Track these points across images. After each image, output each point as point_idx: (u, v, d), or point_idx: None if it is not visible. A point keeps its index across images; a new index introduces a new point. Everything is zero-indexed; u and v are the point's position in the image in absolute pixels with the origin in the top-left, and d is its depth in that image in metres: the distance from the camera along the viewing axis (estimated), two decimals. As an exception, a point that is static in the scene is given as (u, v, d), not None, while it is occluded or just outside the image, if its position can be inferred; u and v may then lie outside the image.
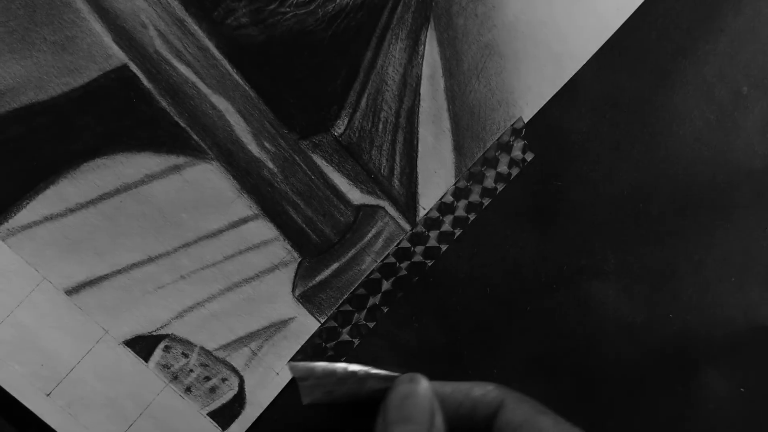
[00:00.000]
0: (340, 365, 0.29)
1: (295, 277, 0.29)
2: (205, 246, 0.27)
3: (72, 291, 0.26)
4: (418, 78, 0.29)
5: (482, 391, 0.28)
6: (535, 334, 0.34)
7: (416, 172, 0.30)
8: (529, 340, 0.35)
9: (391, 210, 0.30)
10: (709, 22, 0.34)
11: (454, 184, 0.30)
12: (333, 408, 0.31)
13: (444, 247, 0.31)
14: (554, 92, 0.31)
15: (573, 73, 0.31)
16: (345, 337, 0.30)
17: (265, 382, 0.29)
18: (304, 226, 0.28)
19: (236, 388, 0.29)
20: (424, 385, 0.28)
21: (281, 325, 0.29)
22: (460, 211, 0.31)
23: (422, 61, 0.29)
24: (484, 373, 0.34)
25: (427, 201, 0.30)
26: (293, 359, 0.29)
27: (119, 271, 0.26)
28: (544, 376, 0.35)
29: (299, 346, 0.30)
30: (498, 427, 0.27)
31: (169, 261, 0.27)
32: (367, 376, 0.29)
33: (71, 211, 0.25)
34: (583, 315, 0.35)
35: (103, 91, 0.24)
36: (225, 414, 0.29)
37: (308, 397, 0.29)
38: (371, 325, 0.31)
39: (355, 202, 0.29)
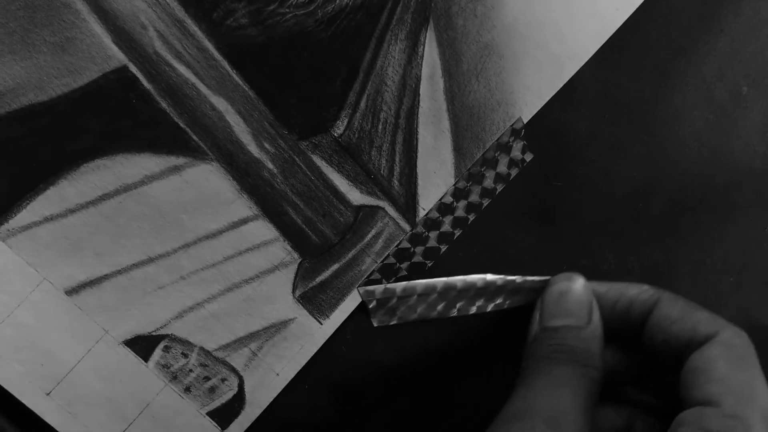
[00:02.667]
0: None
1: (295, 277, 0.29)
2: (205, 246, 0.27)
3: (72, 291, 0.26)
4: (418, 78, 0.29)
5: (637, 290, 0.28)
6: (534, 334, 0.34)
7: (416, 172, 0.30)
8: (529, 340, 0.35)
9: (391, 210, 0.30)
10: (709, 22, 0.34)
11: (454, 184, 0.31)
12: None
13: (444, 248, 0.31)
14: (554, 92, 0.31)
15: (572, 74, 0.31)
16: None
17: (265, 383, 0.29)
18: (304, 226, 0.28)
19: (236, 389, 0.29)
20: (581, 282, 0.29)
21: (281, 325, 0.29)
22: (460, 212, 0.31)
23: (422, 61, 0.29)
24: (483, 374, 0.34)
25: (426, 201, 0.30)
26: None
27: (119, 272, 0.26)
28: (543, 376, 0.35)
29: (299, 347, 0.30)
30: (653, 322, 0.27)
31: (169, 261, 0.27)
32: (493, 284, 0.30)
33: (71, 211, 0.25)
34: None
35: (103, 92, 0.24)
36: (224, 414, 0.29)
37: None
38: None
39: (355, 203, 0.29)
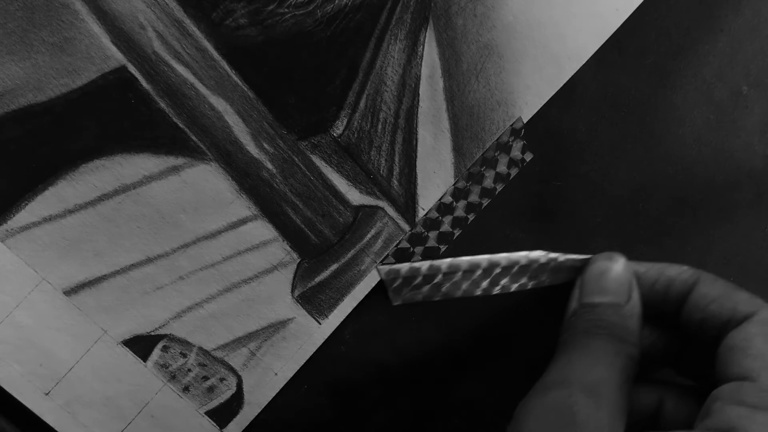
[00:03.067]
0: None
1: (294, 277, 0.29)
2: (204, 247, 0.27)
3: (71, 291, 0.26)
4: (417, 78, 0.29)
5: (677, 270, 0.29)
6: (534, 334, 0.34)
7: (415, 172, 0.30)
8: (529, 340, 0.35)
9: (391, 210, 0.30)
10: (709, 22, 0.34)
11: (454, 184, 0.30)
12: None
13: (443, 248, 0.31)
14: (553, 92, 0.31)
15: (572, 74, 0.31)
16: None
17: (264, 382, 0.29)
18: (303, 226, 0.28)
19: (234, 388, 0.29)
20: (622, 261, 0.29)
21: (280, 325, 0.29)
22: (460, 212, 0.31)
23: (421, 61, 0.29)
24: (483, 374, 0.34)
25: (426, 201, 0.30)
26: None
27: (118, 272, 0.26)
28: (542, 376, 0.35)
29: (298, 347, 0.30)
30: (692, 302, 0.28)
31: (167, 262, 0.27)
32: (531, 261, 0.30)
33: (70, 212, 0.25)
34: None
35: (102, 92, 0.24)
36: (223, 413, 0.29)
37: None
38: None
39: (354, 203, 0.29)
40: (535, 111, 0.31)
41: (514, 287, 0.31)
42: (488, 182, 0.31)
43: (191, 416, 0.29)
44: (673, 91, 0.34)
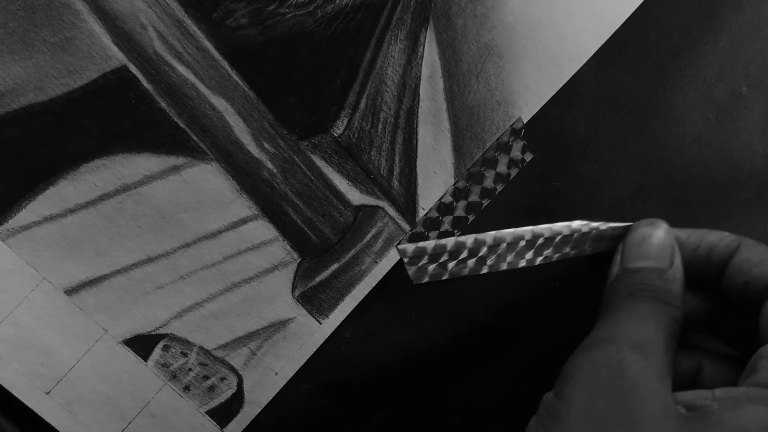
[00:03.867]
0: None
1: (294, 277, 0.29)
2: (205, 246, 0.27)
3: (71, 291, 0.26)
4: (418, 78, 0.29)
5: (718, 236, 0.29)
6: (534, 334, 0.35)
7: (415, 172, 0.30)
8: (529, 340, 0.35)
9: (391, 210, 0.30)
10: (709, 22, 0.34)
11: (454, 184, 0.31)
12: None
13: (443, 247, 0.31)
14: (553, 92, 0.31)
15: (572, 74, 0.31)
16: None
17: (264, 382, 0.29)
18: (304, 226, 0.28)
19: (235, 388, 0.29)
20: (664, 227, 0.30)
21: (280, 325, 0.29)
22: (460, 212, 0.31)
23: (421, 61, 0.29)
24: (483, 374, 0.34)
25: (426, 201, 0.30)
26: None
27: (119, 271, 0.26)
28: (543, 377, 0.35)
29: (299, 347, 0.30)
30: (734, 266, 0.28)
31: (168, 261, 0.27)
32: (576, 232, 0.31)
33: (71, 211, 0.25)
34: (581, 315, 0.35)
35: (103, 92, 0.24)
36: (223, 412, 0.29)
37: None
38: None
39: (355, 203, 0.29)
40: (535, 111, 0.31)
41: (538, 260, 0.31)
42: (488, 182, 0.31)
43: (192, 415, 0.29)
44: (673, 91, 0.34)
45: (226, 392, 0.29)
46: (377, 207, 0.29)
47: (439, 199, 0.30)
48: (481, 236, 0.30)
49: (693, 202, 0.37)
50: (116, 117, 0.25)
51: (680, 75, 0.34)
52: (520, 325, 0.34)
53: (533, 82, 0.31)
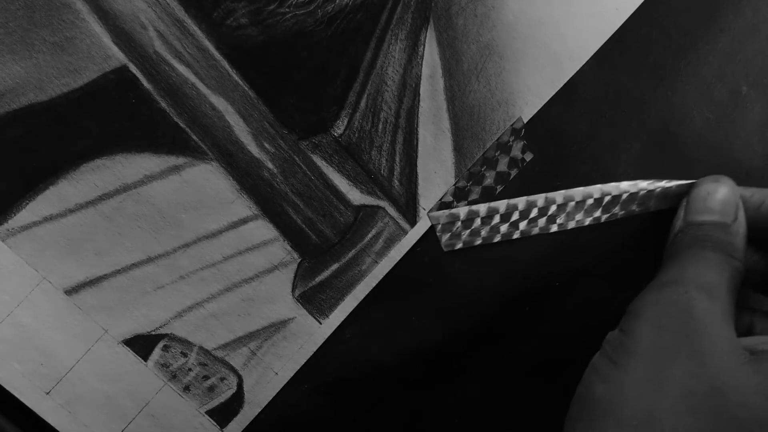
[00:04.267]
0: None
1: (294, 277, 0.29)
2: (205, 246, 0.27)
3: (71, 291, 0.26)
4: (418, 78, 0.29)
5: None
6: (534, 334, 0.35)
7: (416, 172, 0.30)
8: (528, 341, 0.35)
9: (391, 210, 0.30)
10: (709, 22, 0.34)
11: (454, 184, 0.30)
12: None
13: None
14: (554, 92, 0.31)
15: (572, 74, 0.31)
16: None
17: (264, 382, 0.29)
18: (304, 226, 0.28)
19: (235, 388, 0.29)
20: (729, 183, 0.30)
21: (281, 325, 0.29)
22: (460, 211, 0.31)
23: (422, 61, 0.29)
24: (483, 373, 0.34)
25: (427, 201, 0.30)
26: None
27: (119, 271, 0.26)
28: (543, 377, 0.35)
29: (298, 347, 0.30)
30: None
31: (168, 261, 0.27)
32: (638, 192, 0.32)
33: (71, 211, 0.25)
34: (582, 315, 0.35)
35: (103, 91, 0.24)
36: (223, 412, 0.29)
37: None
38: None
39: (355, 203, 0.29)
40: (535, 111, 0.31)
41: (621, 214, 0.32)
42: (489, 182, 0.31)
43: (192, 416, 0.29)
44: (673, 91, 0.34)
45: (226, 392, 0.29)
46: (378, 207, 0.29)
47: (440, 199, 0.30)
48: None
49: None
50: (116, 117, 0.25)
51: (680, 75, 0.34)
52: (520, 325, 0.34)
53: (533, 81, 0.31)
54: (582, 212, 0.31)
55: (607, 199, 0.32)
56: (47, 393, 0.26)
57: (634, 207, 0.33)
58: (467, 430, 0.35)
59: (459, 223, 0.30)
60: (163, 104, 0.25)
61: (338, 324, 0.30)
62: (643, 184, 0.32)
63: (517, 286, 0.34)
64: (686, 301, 0.26)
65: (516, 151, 0.31)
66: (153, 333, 0.27)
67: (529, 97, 0.31)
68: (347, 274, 0.30)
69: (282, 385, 0.30)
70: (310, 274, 0.29)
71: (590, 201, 0.31)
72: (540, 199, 0.31)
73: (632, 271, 0.36)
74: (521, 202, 0.31)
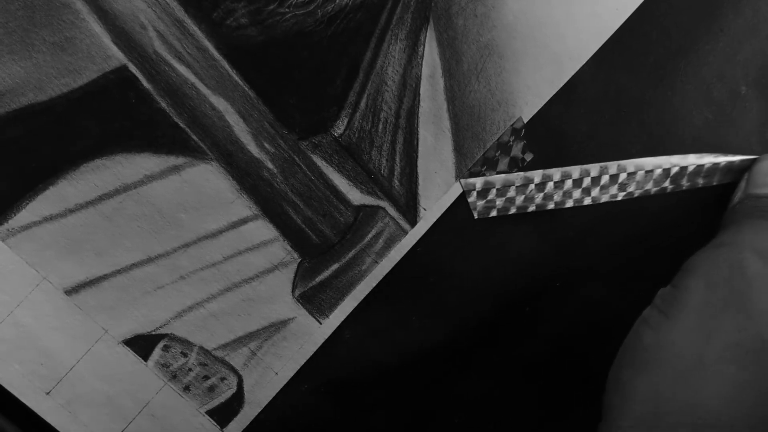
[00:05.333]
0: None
1: (294, 277, 0.29)
2: (205, 246, 0.27)
3: (71, 291, 0.26)
4: (418, 78, 0.29)
5: None
6: (534, 334, 0.35)
7: (416, 172, 0.30)
8: (529, 341, 0.35)
9: (392, 210, 0.30)
10: (709, 21, 0.34)
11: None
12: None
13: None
14: (554, 92, 0.31)
15: (572, 74, 0.31)
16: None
17: (264, 382, 0.29)
18: (304, 226, 0.28)
19: (235, 388, 0.29)
20: None
21: (281, 325, 0.29)
22: (460, 211, 0.31)
23: (422, 61, 0.29)
24: (484, 374, 0.34)
25: (427, 201, 0.30)
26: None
27: (119, 272, 0.26)
28: (543, 377, 0.35)
29: (298, 347, 0.30)
30: None
31: (168, 261, 0.27)
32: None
33: (71, 211, 0.25)
34: (582, 315, 0.35)
35: (103, 91, 0.24)
36: (223, 412, 0.29)
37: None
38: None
39: (355, 203, 0.29)
40: (535, 111, 0.31)
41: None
42: (488, 182, 0.31)
43: (192, 416, 0.29)
44: (673, 91, 0.34)
45: (226, 392, 0.29)
46: (378, 207, 0.29)
47: (440, 199, 0.30)
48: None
49: (692, 201, 0.37)
50: (116, 117, 0.25)
51: (680, 75, 0.34)
52: (521, 325, 0.34)
53: (533, 81, 0.31)
54: (650, 182, 0.33)
55: (675, 170, 0.33)
56: (47, 393, 0.26)
57: (699, 180, 0.34)
58: (467, 430, 0.35)
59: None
60: (163, 104, 0.25)
61: (338, 324, 0.30)
62: (708, 158, 0.33)
63: (517, 286, 0.34)
64: (740, 261, 0.27)
65: (516, 151, 0.31)
66: (153, 333, 0.27)
67: (529, 97, 0.31)
68: (347, 274, 0.30)
69: (282, 385, 0.30)
70: (310, 274, 0.29)
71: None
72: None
73: (633, 272, 0.36)
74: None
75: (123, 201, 0.25)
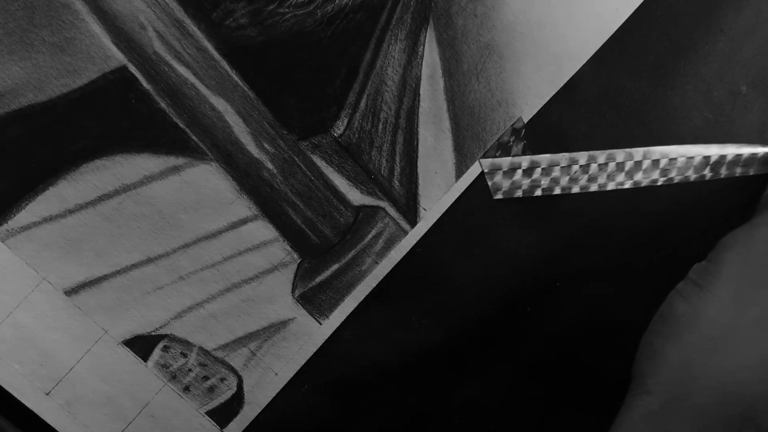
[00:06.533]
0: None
1: (294, 278, 0.29)
2: (205, 247, 0.27)
3: (71, 291, 0.26)
4: (418, 78, 0.29)
5: None
6: (534, 334, 0.35)
7: (416, 172, 0.30)
8: (529, 341, 0.35)
9: (392, 211, 0.30)
10: (708, 22, 0.34)
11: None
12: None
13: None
14: (554, 92, 0.31)
15: (572, 74, 0.31)
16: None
17: (264, 382, 0.29)
18: (304, 227, 0.28)
19: (235, 388, 0.29)
20: None
21: (280, 325, 0.29)
22: (460, 212, 0.31)
23: (422, 61, 0.29)
24: (484, 374, 0.34)
25: (427, 202, 0.30)
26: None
27: (118, 272, 0.26)
28: (543, 377, 0.35)
29: (298, 347, 0.30)
30: None
31: (168, 262, 0.27)
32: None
33: (70, 212, 0.25)
34: (582, 315, 0.35)
35: (102, 92, 0.24)
36: (223, 413, 0.29)
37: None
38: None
39: (355, 203, 0.29)
40: (535, 111, 0.31)
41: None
42: (488, 182, 0.31)
43: (192, 416, 0.29)
44: (672, 91, 0.34)
45: (226, 393, 0.29)
46: (378, 207, 0.29)
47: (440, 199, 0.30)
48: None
49: (692, 201, 0.37)
50: (116, 117, 0.25)
51: (680, 75, 0.34)
52: (521, 325, 0.34)
53: (533, 82, 0.31)
54: (692, 169, 0.34)
55: (714, 158, 0.34)
56: (47, 393, 0.26)
57: (738, 169, 0.35)
58: (468, 430, 0.35)
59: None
60: (163, 104, 0.25)
61: (338, 324, 0.30)
62: (748, 149, 0.34)
63: (517, 286, 0.34)
64: None
65: (516, 151, 0.31)
66: (153, 333, 0.27)
67: (529, 97, 0.31)
68: (347, 274, 0.30)
69: (282, 385, 0.30)
70: (310, 274, 0.29)
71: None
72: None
73: (633, 272, 0.36)
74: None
75: (123, 201, 0.25)
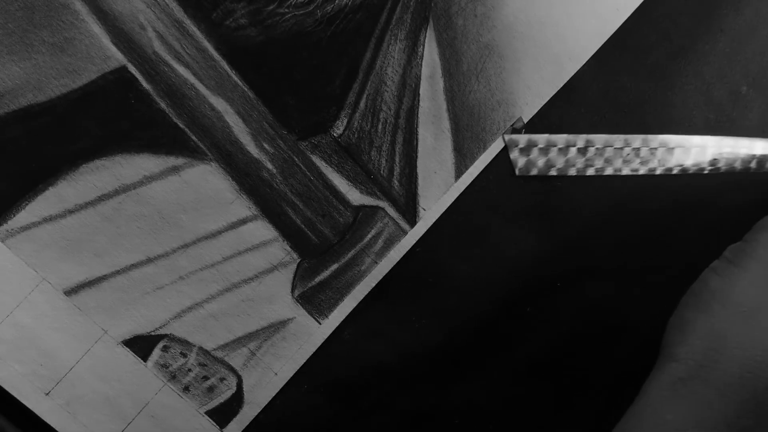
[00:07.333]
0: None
1: (294, 277, 0.29)
2: (204, 247, 0.27)
3: (71, 291, 0.26)
4: (418, 78, 0.29)
5: None
6: (534, 334, 0.35)
7: (416, 172, 0.30)
8: (529, 341, 0.35)
9: (391, 211, 0.30)
10: (709, 22, 0.34)
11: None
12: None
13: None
14: (554, 92, 0.31)
15: (572, 74, 0.31)
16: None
17: (264, 382, 0.29)
18: (304, 226, 0.28)
19: (234, 388, 0.29)
20: None
21: (280, 325, 0.29)
22: (459, 212, 0.31)
23: (421, 61, 0.29)
24: (484, 374, 0.34)
25: (427, 201, 0.30)
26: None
27: (118, 272, 0.26)
28: (543, 377, 0.35)
29: (298, 347, 0.30)
30: None
31: (167, 262, 0.27)
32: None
33: (70, 212, 0.25)
34: (582, 315, 0.35)
35: (102, 92, 0.24)
36: (223, 413, 0.29)
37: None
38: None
39: (355, 203, 0.29)
40: (535, 111, 0.31)
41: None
42: (488, 182, 0.31)
43: (191, 416, 0.29)
44: (673, 91, 0.34)
45: (226, 393, 0.29)
46: (377, 207, 0.29)
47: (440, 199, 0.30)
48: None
49: (692, 201, 0.37)
50: (116, 117, 0.25)
51: (680, 75, 0.34)
52: (520, 325, 0.34)
53: (533, 81, 0.31)
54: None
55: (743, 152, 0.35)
56: (47, 393, 0.26)
57: (753, 164, 0.36)
58: (468, 430, 0.35)
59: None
60: (163, 105, 0.25)
61: (338, 324, 0.30)
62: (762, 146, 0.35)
63: (518, 286, 0.34)
64: None
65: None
66: (152, 333, 0.27)
67: (529, 97, 0.31)
68: (347, 274, 0.30)
69: (282, 385, 0.30)
70: (310, 274, 0.29)
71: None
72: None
73: (633, 272, 0.36)
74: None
75: (122, 201, 0.25)
